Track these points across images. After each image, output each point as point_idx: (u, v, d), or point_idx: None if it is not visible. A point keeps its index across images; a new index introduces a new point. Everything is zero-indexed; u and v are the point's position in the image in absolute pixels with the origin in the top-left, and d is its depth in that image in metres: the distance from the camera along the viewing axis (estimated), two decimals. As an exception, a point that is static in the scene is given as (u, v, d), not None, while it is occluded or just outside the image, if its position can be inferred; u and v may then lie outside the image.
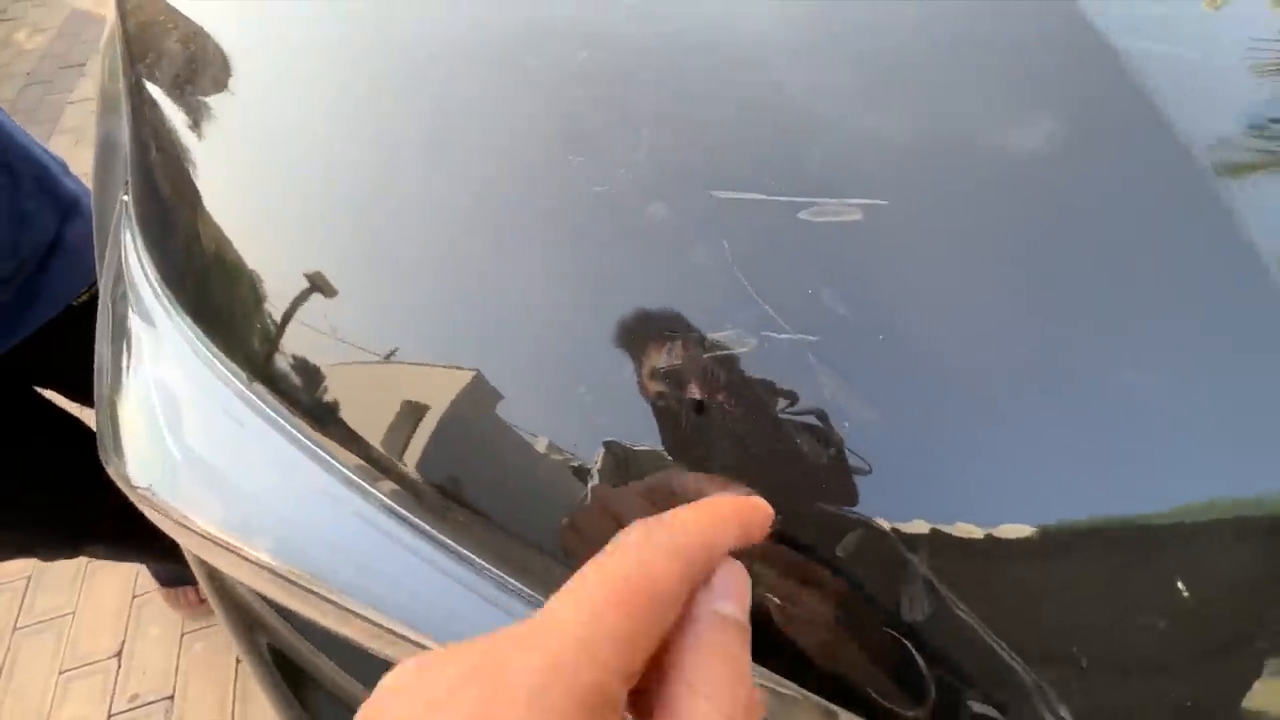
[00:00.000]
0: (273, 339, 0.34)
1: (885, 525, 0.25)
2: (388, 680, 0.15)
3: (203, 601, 1.20)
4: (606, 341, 0.28)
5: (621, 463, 0.28)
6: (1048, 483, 0.26)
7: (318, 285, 0.35)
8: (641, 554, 0.15)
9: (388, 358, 0.32)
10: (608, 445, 0.27)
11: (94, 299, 0.74)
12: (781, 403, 0.26)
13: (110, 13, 0.51)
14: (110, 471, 0.34)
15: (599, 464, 0.27)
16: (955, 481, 0.25)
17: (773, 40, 0.35)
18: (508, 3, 0.39)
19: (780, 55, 0.34)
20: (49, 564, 1.06)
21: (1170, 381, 0.27)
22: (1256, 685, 0.24)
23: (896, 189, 0.29)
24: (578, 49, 0.35)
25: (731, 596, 0.16)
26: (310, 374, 0.33)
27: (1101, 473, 0.26)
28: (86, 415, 1.05)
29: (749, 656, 0.16)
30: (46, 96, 2.45)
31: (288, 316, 0.35)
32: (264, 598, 0.40)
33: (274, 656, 0.44)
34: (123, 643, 1.23)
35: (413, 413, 0.31)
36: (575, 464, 0.27)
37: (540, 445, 0.29)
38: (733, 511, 0.18)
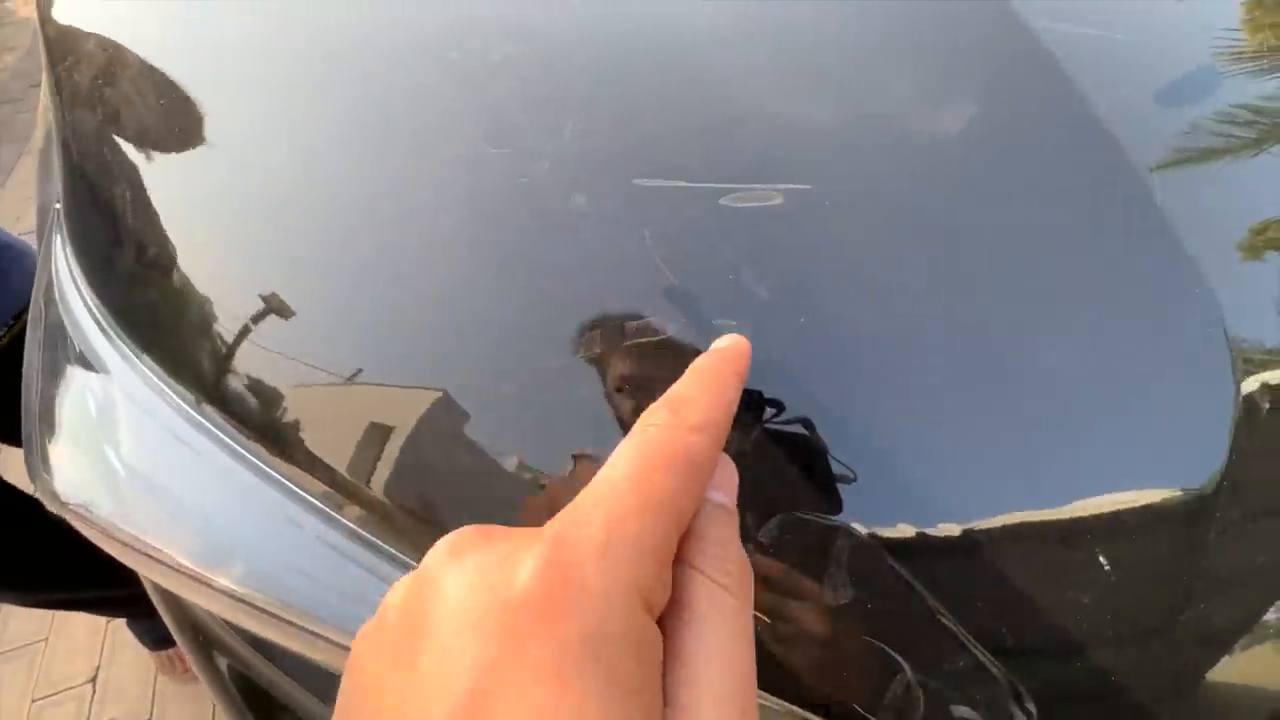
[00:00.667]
0: (222, 359, 0.33)
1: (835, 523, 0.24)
2: (438, 551, 0.15)
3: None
4: (549, 344, 0.28)
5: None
6: (967, 480, 0.25)
7: (273, 307, 0.34)
8: (674, 430, 0.16)
9: (348, 379, 0.31)
10: (576, 457, 0.26)
11: (15, 340, 0.72)
12: (768, 411, 0.26)
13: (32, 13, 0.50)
14: (37, 487, 0.33)
15: (570, 475, 0.27)
16: (870, 475, 0.25)
17: (694, 29, 0.35)
18: (432, 2, 0.39)
19: (701, 43, 0.34)
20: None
21: (1085, 369, 0.27)
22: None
23: (819, 173, 0.29)
24: (501, 43, 0.35)
25: (722, 487, 0.17)
26: (264, 396, 0.32)
27: (1033, 466, 0.26)
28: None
29: (739, 539, 0.17)
30: (16, 115, 2.41)
31: (235, 336, 0.34)
32: (223, 620, 0.39)
33: (235, 679, 0.42)
34: (97, 668, 1.20)
35: (377, 434, 0.31)
36: (544, 480, 0.27)
37: (500, 459, 0.28)
38: (728, 368, 0.19)
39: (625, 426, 0.26)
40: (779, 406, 0.26)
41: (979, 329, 0.27)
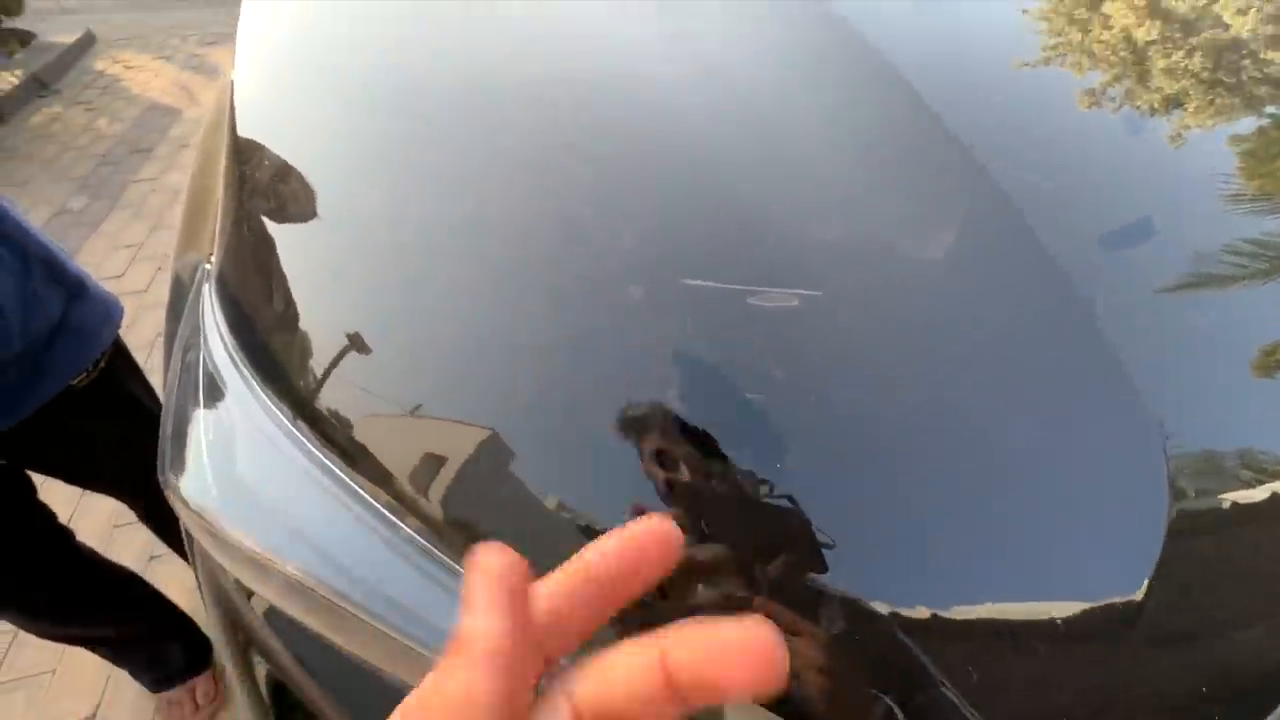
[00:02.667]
0: (315, 387, 0.40)
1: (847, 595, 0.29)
2: None
3: (213, 700, 1.17)
4: (603, 414, 0.34)
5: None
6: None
7: (355, 344, 0.42)
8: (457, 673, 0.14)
9: (413, 411, 0.37)
10: (634, 506, 0.31)
11: (94, 383, 0.79)
12: (763, 489, 0.31)
13: (219, 101, 0.61)
14: (168, 491, 0.38)
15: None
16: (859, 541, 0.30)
17: (736, 162, 0.44)
18: (537, 129, 0.48)
19: (740, 173, 0.43)
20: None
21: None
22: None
23: (830, 282, 0.36)
24: (583, 164, 0.44)
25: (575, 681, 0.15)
26: (345, 419, 0.39)
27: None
28: (88, 501, 1.08)
29: None
30: (114, 175, 2.68)
31: (330, 368, 0.41)
32: (272, 627, 0.43)
33: (270, 689, 0.46)
34: (97, 707, 1.20)
35: (434, 462, 0.37)
36: (582, 522, 0.32)
37: (536, 494, 0.33)
38: (501, 591, 0.15)
39: (659, 492, 0.31)
40: (769, 484, 0.31)
41: (944, 436, 0.32)
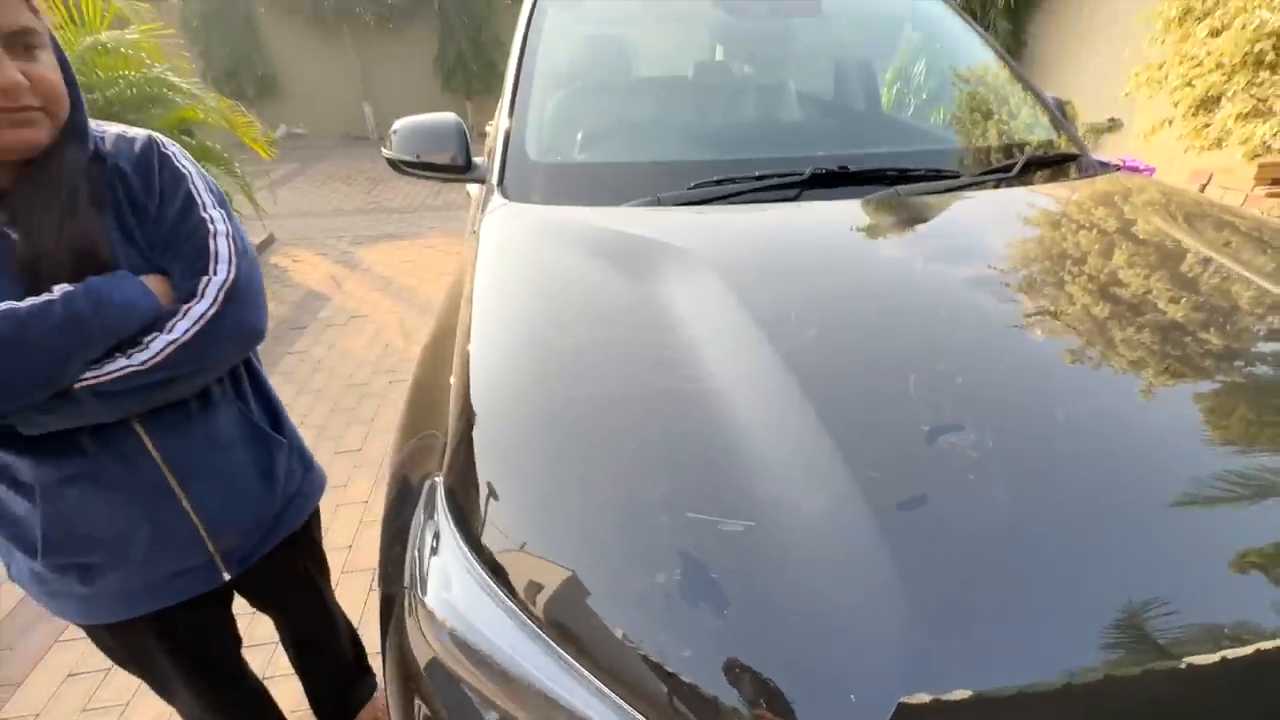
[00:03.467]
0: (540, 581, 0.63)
1: None
2: None
3: None
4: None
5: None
6: None
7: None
8: None
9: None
10: None
11: (300, 530, 1.10)
12: None
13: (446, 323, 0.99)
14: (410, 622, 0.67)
15: None
16: None
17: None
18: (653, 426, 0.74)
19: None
20: None
21: None
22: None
23: (760, 516, 0.61)
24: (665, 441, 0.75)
25: None
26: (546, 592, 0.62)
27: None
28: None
29: None
30: (274, 347, 3.33)
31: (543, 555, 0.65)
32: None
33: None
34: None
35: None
36: None
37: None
38: None
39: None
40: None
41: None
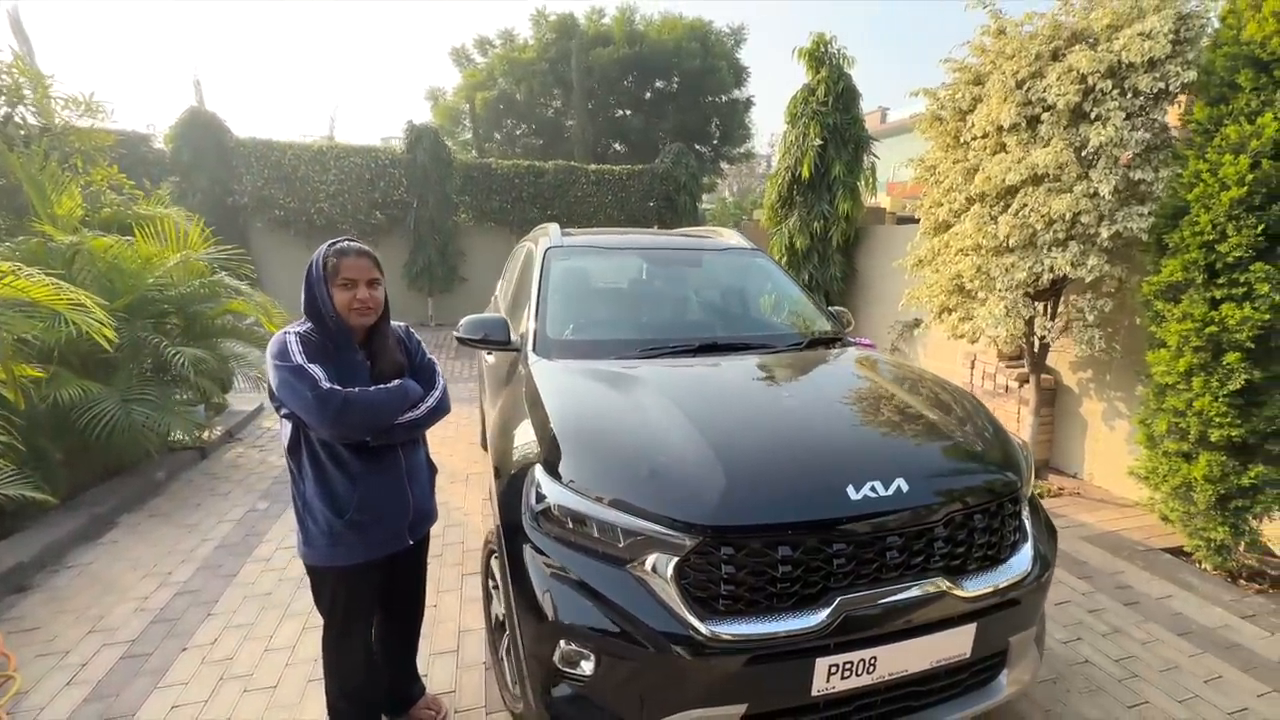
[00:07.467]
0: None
1: None
2: None
3: None
4: None
5: None
6: None
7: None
8: None
9: None
10: None
11: (419, 541, 2.00)
12: None
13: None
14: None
15: None
16: None
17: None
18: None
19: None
20: None
21: None
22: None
23: (674, 455, 1.69)
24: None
25: None
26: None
27: None
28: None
29: None
30: (282, 491, 4.00)
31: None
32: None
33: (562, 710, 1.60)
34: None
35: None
36: None
37: None
38: None
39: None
40: None
41: None
